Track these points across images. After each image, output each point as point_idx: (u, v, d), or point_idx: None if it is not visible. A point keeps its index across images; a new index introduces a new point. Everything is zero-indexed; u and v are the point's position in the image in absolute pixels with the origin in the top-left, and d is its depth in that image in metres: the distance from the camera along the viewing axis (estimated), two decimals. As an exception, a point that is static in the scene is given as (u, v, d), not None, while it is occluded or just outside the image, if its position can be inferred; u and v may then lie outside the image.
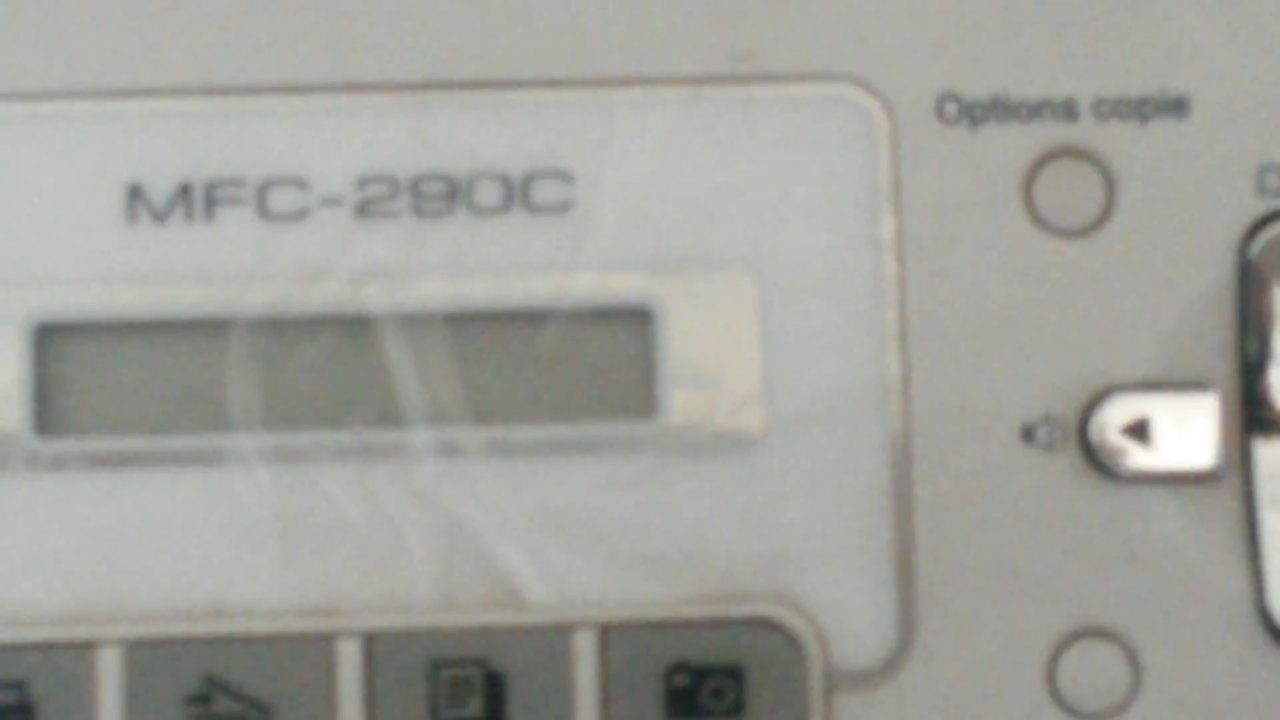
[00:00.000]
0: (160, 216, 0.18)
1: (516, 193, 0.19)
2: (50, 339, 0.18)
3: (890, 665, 0.18)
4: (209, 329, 0.18)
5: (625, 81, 0.19)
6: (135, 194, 0.18)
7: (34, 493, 0.18)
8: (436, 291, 0.18)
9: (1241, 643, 0.19)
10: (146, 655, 0.18)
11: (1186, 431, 0.19)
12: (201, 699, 0.18)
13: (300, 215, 0.18)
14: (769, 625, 0.18)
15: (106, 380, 0.18)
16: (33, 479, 0.18)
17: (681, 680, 0.18)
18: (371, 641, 0.18)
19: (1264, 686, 0.19)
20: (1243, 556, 0.19)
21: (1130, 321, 0.19)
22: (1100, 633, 0.18)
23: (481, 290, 0.18)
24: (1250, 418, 0.19)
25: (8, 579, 0.18)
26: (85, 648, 0.18)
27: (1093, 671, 0.18)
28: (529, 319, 0.18)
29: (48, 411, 0.18)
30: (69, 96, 0.18)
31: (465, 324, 0.18)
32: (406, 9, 0.19)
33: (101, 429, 0.18)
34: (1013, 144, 0.19)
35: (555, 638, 0.18)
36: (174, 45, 0.19)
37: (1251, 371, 0.19)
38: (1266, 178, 0.19)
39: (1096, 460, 0.18)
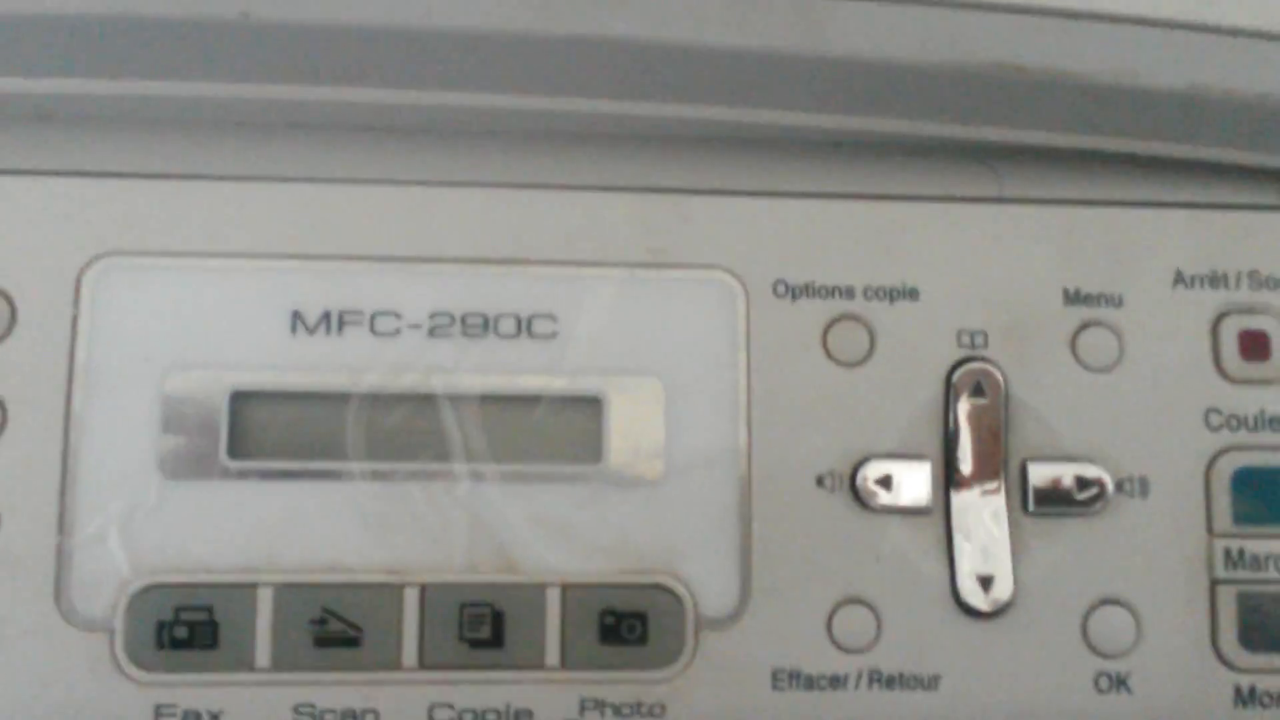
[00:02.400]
0: (310, 331, 0.30)
1: (524, 326, 0.31)
2: (240, 401, 0.30)
3: (733, 616, 0.30)
4: (336, 399, 0.30)
5: (591, 263, 0.31)
6: (296, 317, 0.30)
7: (226, 493, 0.29)
8: (474, 383, 0.30)
9: (941, 611, 0.31)
10: (288, 593, 0.29)
11: (912, 484, 0.31)
12: (320, 621, 0.29)
13: (395, 334, 0.30)
14: (663, 589, 0.30)
15: (271, 426, 0.30)
16: (226, 484, 0.29)
17: (610, 620, 0.30)
18: (425, 590, 0.29)
19: (952, 642, 0.30)
20: (943, 558, 0.31)
21: (882, 418, 0.31)
22: (858, 601, 0.30)
23: (500, 383, 0.30)
24: (948, 478, 0.31)
25: (205, 545, 0.29)
26: (250, 587, 0.29)
27: (852, 626, 0.30)
28: (529, 401, 0.30)
29: (236, 443, 0.29)
30: (258, 256, 0.30)
31: (490, 403, 0.30)
32: (460, 219, 0.31)
33: (269, 456, 0.30)
34: (816, 311, 0.31)
35: (535, 592, 0.30)
36: (324, 228, 0.30)
37: (949, 451, 0.31)
38: (961, 337, 0.31)
39: (859, 499, 0.31)
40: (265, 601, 0.29)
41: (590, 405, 0.30)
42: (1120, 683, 0.30)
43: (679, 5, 0.29)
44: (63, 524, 0.29)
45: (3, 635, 0.28)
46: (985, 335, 0.31)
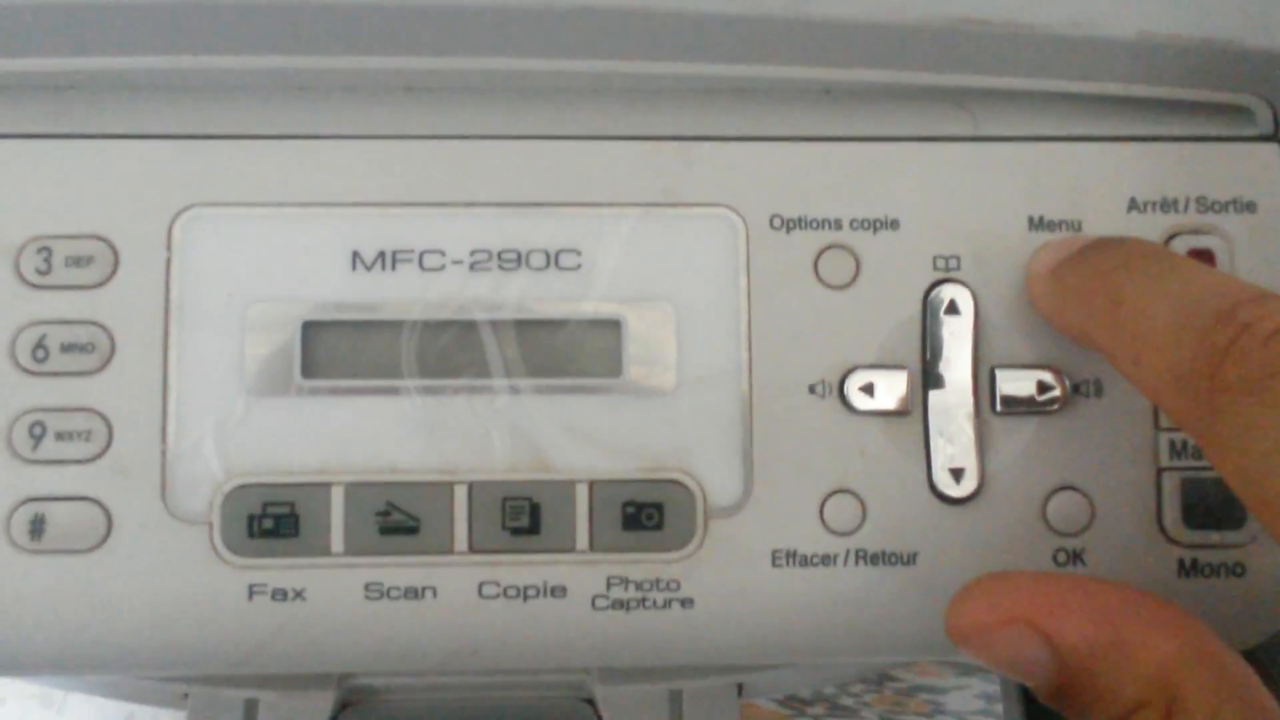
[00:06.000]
0: (368, 268, 0.35)
1: (552, 259, 0.35)
2: (310, 329, 0.34)
3: (738, 505, 0.35)
4: (392, 326, 0.34)
5: (612, 204, 0.35)
6: (356, 256, 0.35)
7: (301, 407, 0.34)
8: (510, 309, 0.35)
9: (918, 499, 0.35)
10: (356, 491, 0.34)
11: (893, 390, 0.35)
12: (385, 514, 0.34)
13: (440, 269, 0.35)
14: (677, 483, 0.35)
15: (337, 350, 0.35)
16: (300, 400, 0.34)
17: (631, 509, 0.35)
18: (472, 486, 0.34)
19: (928, 525, 0.35)
20: (920, 454, 0.35)
21: (867, 333, 0.35)
22: (846, 491, 0.35)
23: (533, 309, 0.35)
24: (925, 384, 0.35)
25: (286, 451, 0.34)
26: (324, 486, 0.34)
27: (841, 512, 0.35)
28: (558, 324, 0.35)
29: (308, 366, 0.34)
30: (321, 204, 0.35)
31: (525, 327, 0.35)
32: (494, 168, 0.35)
33: (336, 376, 0.34)
34: (807, 241, 0.35)
35: (566, 488, 0.34)
36: (376, 178, 0.35)
37: (926, 359, 0.35)
38: (937, 261, 0.36)
39: (846, 403, 0.35)
40: (338, 498, 0.34)
41: (611, 327, 0.35)
42: (1076, 557, 0.35)
43: (680, -25, 0.33)
44: (165, 435, 0.34)
45: (119, 529, 0.34)
46: (959, 259, 0.36)
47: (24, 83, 0.35)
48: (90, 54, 0.34)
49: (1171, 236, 0.36)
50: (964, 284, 0.35)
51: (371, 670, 0.35)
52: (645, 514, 0.35)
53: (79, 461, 0.34)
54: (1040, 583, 0.31)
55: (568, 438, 0.35)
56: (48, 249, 0.34)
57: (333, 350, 0.35)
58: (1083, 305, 0.32)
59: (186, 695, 0.44)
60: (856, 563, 0.35)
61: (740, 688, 0.45)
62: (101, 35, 0.34)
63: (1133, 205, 0.36)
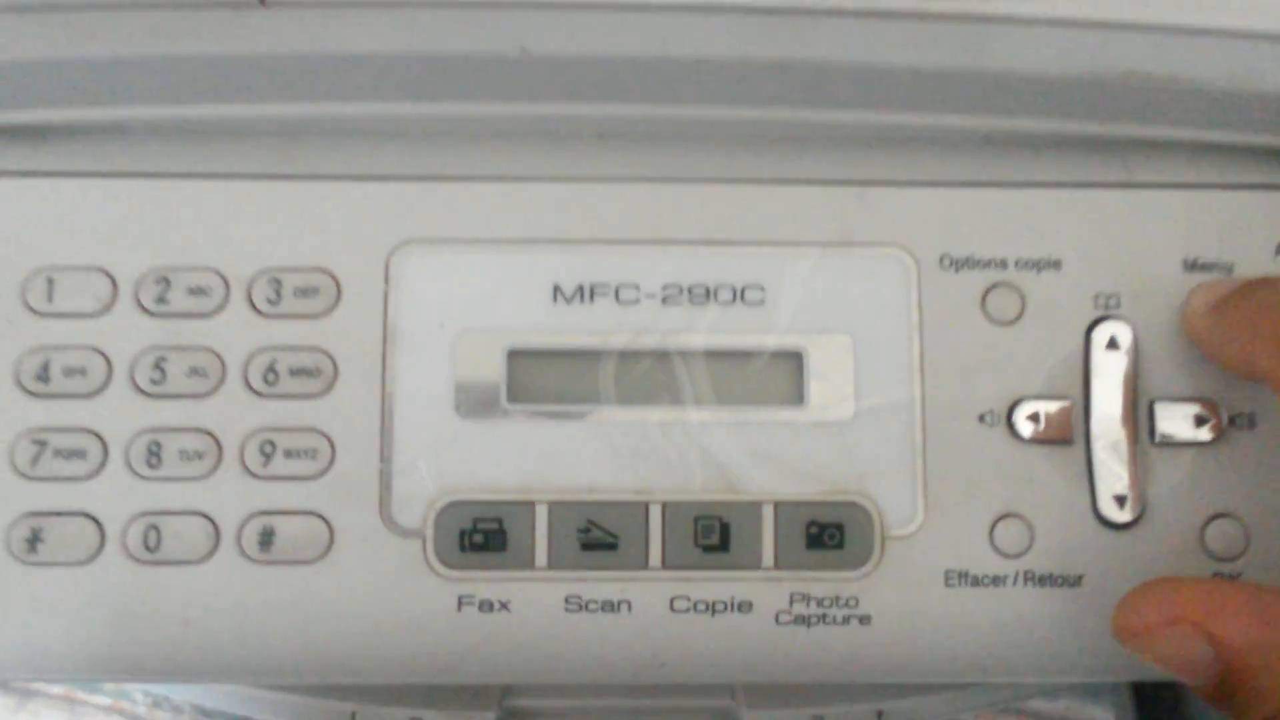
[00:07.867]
0: (568, 300, 0.37)
1: (738, 294, 0.38)
2: (515, 357, 0.37)
3: (914, 532, 0.37)
4: (590, 355, 0.37)
5: (794, 243, 0.38)
6: (557, 289, 0.37)
7: (508, 430, 0.37)
8: (700, 341, 0.37)
9: (1083, 524, 0.37)
10: (559, 509, 0.36)
11: (1056, 419, 0.37)
12: (585, 530, 0.37)
13: (635, 302, 0.38)
14: (857, 506, 0.37)
15: (540, 377, 0.37)
16: (507, 423, 0.37)
17: (814, 529, 0.37)
18: (665, 506, 0.37)
19: (1093, 548, 0.37)
20: (1084, 481, 0.37)
21: (1032, 365, 0.38)
22: (1014, 516, 0.37)
23: (722, 340, 0.37)
24: (1088, 414, 0.38)
25: (493, 470, 0.37)
26: (529, 504, 0.37)
27: (1010, 535, 0.37)
28: (744, 355, 0.37)
29: (513, 391, 0.37)
30: (526, 241, 0.37)
31: (713, 357, 0.37)
32: (686, 209, 0.38)
33: (539, 401, 0.37)
34: (975, 279, 0.38)
35: (754, 508, 0.37)
36: (577, 217, 0.38)
37: (1089, 391, 0.38)
38: (1098, 300, 0.38)
39: (1014, 432, 0.37)
40: (542, 515, 0.37)
41: (793, 358, 0.37)
42: (1234, 580, 0.37)
43: (869, 33, 0.36)
44: (383, 454, 0.37)
45: (340, 542, 0.36)
46: (1118, 297, 0.38)
47: (257, 128, 0.38)
48: (316, 101, 0.37)
49: (1319, 279, 0.38)
50: (1124, 321, 0.38)
51: (568, 680, 0.37)
52: (827, 534, 0.37)
53: (305, 478, 0.36)
54: (1206, 587, 0.33)
55: (753, 461, 0.37)
56: (278, 280, 0.37)
57: (536, 377, 0.37)
58: (1249, 338, 0.34)
59: (354, 714, 0.47)
60: (1025, 584, 0.37)
61: (880, 715, 0.47)
62: (327, 84, 0.37)
63: (1281, 249, 0.38)
